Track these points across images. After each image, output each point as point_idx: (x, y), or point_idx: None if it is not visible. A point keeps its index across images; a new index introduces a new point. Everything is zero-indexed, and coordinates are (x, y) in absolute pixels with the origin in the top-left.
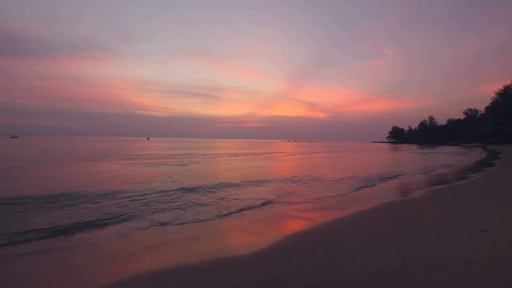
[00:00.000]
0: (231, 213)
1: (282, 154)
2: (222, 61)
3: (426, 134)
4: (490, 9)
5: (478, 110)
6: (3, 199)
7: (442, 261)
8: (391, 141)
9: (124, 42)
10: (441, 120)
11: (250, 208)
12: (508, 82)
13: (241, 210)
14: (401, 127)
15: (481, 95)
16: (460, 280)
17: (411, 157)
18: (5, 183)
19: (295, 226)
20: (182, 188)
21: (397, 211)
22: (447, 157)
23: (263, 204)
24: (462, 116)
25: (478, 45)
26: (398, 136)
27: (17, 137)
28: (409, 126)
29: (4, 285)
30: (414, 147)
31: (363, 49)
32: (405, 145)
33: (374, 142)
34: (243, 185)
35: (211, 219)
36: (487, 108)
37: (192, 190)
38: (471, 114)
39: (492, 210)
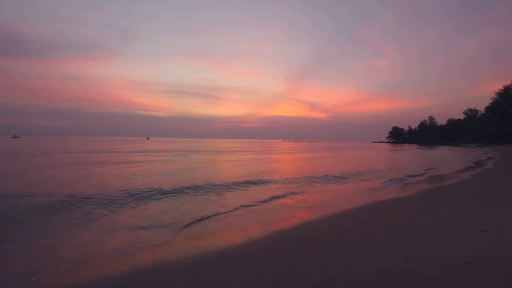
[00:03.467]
0: None
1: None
2: (222, 62)
3: (426, 134)
4: (486, 10)
5: (478, 110)
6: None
7: (442, 261)
8: (391, 141)
9: (126, 42)
10: (441, 120)
11: None
12: (508, 82)
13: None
14: (401, 127)
15: (480, 94)
16: (460, 280)
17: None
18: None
19: (295, 225)
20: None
21: (397, 210)
22: (448, 157)
23: None
24: (461, 116)
25: (475, 46)
26: (398, 136)
27: (19, 137)
28: (409, 126)
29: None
30: (414, 147)
31: (362, 50)
32: (405, 145)
33: (374, 142)
34: None
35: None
36: (487, 108)
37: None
38: (471, 114)
39: (492, 210)
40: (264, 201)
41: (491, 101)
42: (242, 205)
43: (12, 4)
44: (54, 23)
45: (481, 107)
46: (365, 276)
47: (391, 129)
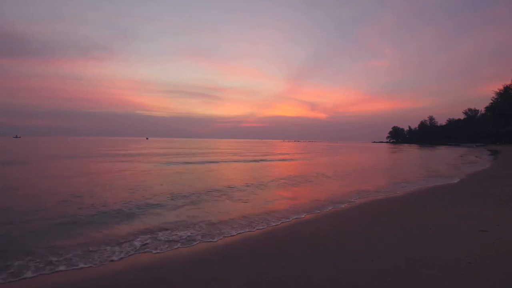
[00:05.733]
0: None
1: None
2: (222, 62)
3: (426, 134)
4: (486, 11)
5: (478, 110)
6: None
7: (442, 261)
8: (391, 141)
9: (126, 43)
10: (441, 120)
11: None
12: (508, 82)
13: None
14: (401, 127)
15: (480, 94)
16: (461, 280)
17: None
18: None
19: (295, 225)
20: None
21: (397, 210)
22: (447, 157)
23: None
24: (461, 116)
25: (474, 46)
26: (398, 136)
27: (20, 137)
28: (409, 126)
29: None
30: (414, 147)
31: (362, 50)
32: (405, 145)
33: (374, 142)
34: None
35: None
36: (487, 108)
37: None
38: (471, 114)
39: (492, 210)
40: None
41: (491, 101)
42: None
43: (12, 4)
44: (55, 23)
45: (481, 107)
46: (365, 276)
47: (391, 129)
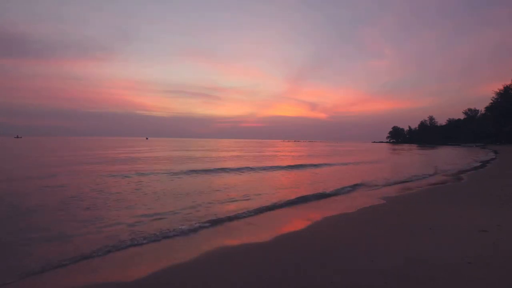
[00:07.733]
0: None
1: None
2: (222, 62)
3: (426, 134)
4: (486, 11)
5: (478, 110)
6: None
7: (442, 261)
8: (391, 141)
9: (127, 43)
10: (441, 120)
11: None
12: (508, 82)
13: None
14: (401, 127)
15: (480, 94)
16: (460, 280)
17: None
18: None
19: (295, 226)
20: None
21: (397, 210)
22: (448, 157)
23: None
24: (461, 116)
25: (474, 46)
26: (398, 136)
27: (21, 137)
28: (409, 126)
29: None
30: (414, 147)
31: (362, 50)
32: (405, 145)
33: (374, 142)
34: None
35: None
36: (487, 108)
37: None
38: (471, 114)
39: (492, 210)
40: None
41: (491, 101)
42: None
43: (13, 4)
44: (56, 23)
45: (481, 107)
46: (365, 276)
47: (391, 129)
